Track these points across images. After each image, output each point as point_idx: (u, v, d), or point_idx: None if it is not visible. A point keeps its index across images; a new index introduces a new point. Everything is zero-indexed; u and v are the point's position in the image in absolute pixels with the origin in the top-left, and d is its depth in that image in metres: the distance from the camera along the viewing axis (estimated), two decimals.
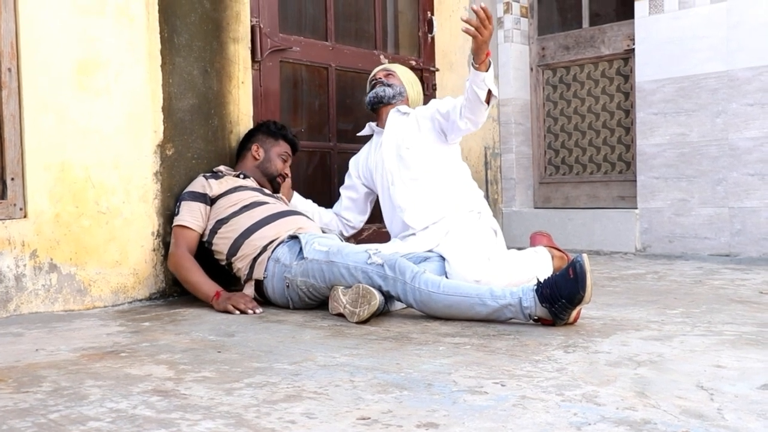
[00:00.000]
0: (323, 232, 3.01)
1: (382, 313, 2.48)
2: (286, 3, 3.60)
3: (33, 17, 2.62)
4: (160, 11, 2.97)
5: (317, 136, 3.76)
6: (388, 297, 2.46)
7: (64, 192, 2.70)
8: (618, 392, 1.50)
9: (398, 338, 2.12)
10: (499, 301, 2.28)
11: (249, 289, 2.76)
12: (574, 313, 2.21)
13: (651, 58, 4.32)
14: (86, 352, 2.00)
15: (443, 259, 2.83)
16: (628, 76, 4.62)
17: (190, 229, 2.85)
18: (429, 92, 4.27)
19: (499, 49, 4.97)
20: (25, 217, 2.61)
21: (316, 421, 1.35)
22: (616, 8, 4.75)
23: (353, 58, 3.86)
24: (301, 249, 2.66)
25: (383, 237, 3.37)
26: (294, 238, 2.75)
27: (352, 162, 3.39)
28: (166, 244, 2.96)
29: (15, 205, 2.60)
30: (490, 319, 2.31)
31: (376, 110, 3.29)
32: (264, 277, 2.71)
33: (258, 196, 2.94)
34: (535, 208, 5.10)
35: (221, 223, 2.85)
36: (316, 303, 2.66)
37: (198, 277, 2.75)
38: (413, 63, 4.18)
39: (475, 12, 2.65)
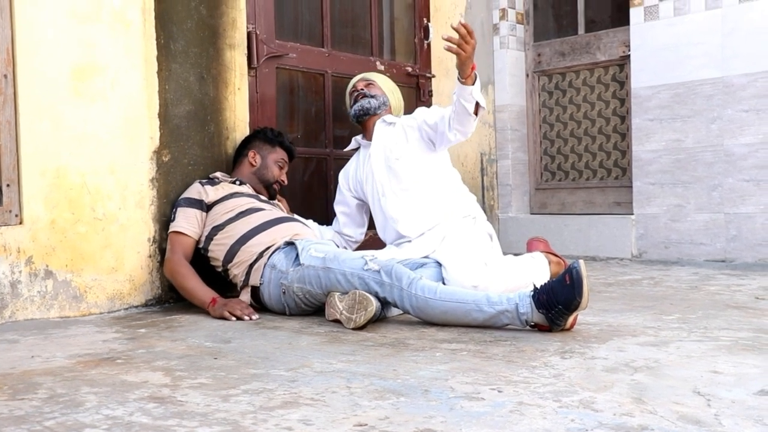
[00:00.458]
0: None
1: (378, 320, 2.48)
2: (282, 9, 3.60)
3: (29, 23, 2.62)
4: (156, 17, 2.97)
5: (314, 142, 3.76)
6: (384, 303, 2.46)
7: (60, 198, 2.69)
8: (615, 398, 1.50)
9: (395, 344, 2.12)
10: (495, 307, 2.28)
11: (245, 296, 2.75)
12: (570, 319, 2.21)
13: (646, 64, 4.34)
14: (82, 359, 1.99)
15: (439, 265, 2.83)
16: (623, 83, 4.64)
17: (186, 235, 2.85)
18: (425, 98, 4.28)
19: (494, 55, 4.98)
20: (20, 223, 2.60)
21: (313, 428, 1.35)
22: (611, 15, 4.77)
23: (349, 65, 3.86)
24: (297, 255, 2.65)
25: (380, 243, 3.37)
26: (290, 244, 2.74)
27: (342, 176, 3.38)
28: (162, 251, 2.96)
29: (11, 211, 2.59)
30: (487, 325, 2.31)
31: (362, 122, 3.28)
32: (260, 284, 2.70)
33: (254, 203, 2.93)
34: (532, 214, 5.11)
35: (217, 229, 2.85)
36: (313, 309, 2.66)
37: (194, 284, 2.75)
38: (409, 69, 4.19)
39: (455, 29, 2.64)
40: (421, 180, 3.10)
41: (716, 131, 4.10)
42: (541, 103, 5.06)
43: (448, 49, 2.67)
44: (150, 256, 2.95)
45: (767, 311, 2.55)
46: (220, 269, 2.87)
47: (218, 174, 3.09)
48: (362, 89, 3.28)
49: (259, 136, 3.19)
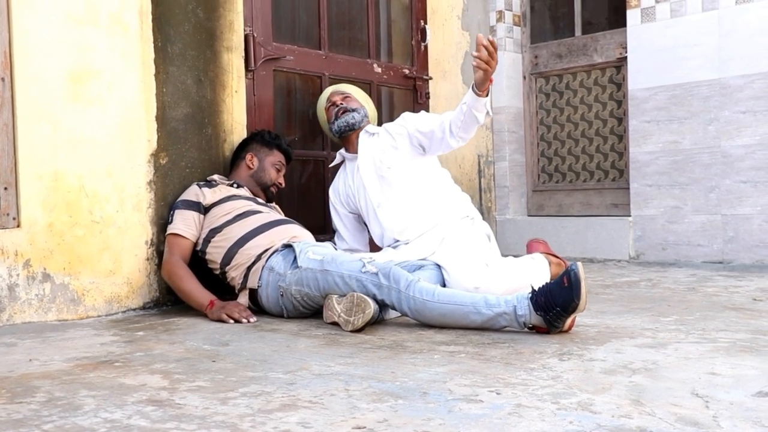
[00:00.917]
0: None
1: (376, 322, 2.48)
2: (279, 12, 3.60)
3: (26, 27, 2.62)
4: (153, 21, 2.97)
5: (311, 145, 3.76)
6: (382, 305, 2.46)
7: (58, 201, 2.69)
8: (613, 400, 1.51)
9: (393, 347, 2.12)
10: (493, 309, 2.28)
11: (243, 298, 2.75)
12: (568, 321, 2.21)
13: (643, 66, 4.34)
14: (80, 362, 1.99)
15: (438, 267, 2.83)
16: (620, 84, 4.64)
17: (184, 237, 2.85)
18: (422, 101, 4.28)
19: None
20: (18, 226, 2.60)
21: (312, 431, 1.35)
22: (608, 16, 4.78)
23: (347, 67, 3.86)
24: (295, 258, 2.65)
25: (377, 247, 3.36)
26: (288, 247, 2.74)
27: (332, 192, 3.33)
28: (159, 253, 2.96)
29: (8, 214, 2.59)
30: (485, 328, 2.31)
31: (346, 137, 3.23)
32: (258, 286, 2.70)
33: (251, 206, 2.94)
34: (529, 215, 5.11)
35: (215, 232, 2.85)
36: (311, 312, 2.66)
37: (192, 286, 2.75)
38: (406, 71, 4.20)
39: (485, 47, 2.65)
40: (415, 185, 3.09)
41: (713, 133, 4.10)
42: (538, 105, 5.07)
43: (477, 66, 2.67)
44: (148, 259, 2.95)
45: (765, 312, 2.56)
46: (217, 272, 2.86)
47: (216, 177, 3.09)
48: (341, 104, 3.22)
49: (256, 138, 3.19)
